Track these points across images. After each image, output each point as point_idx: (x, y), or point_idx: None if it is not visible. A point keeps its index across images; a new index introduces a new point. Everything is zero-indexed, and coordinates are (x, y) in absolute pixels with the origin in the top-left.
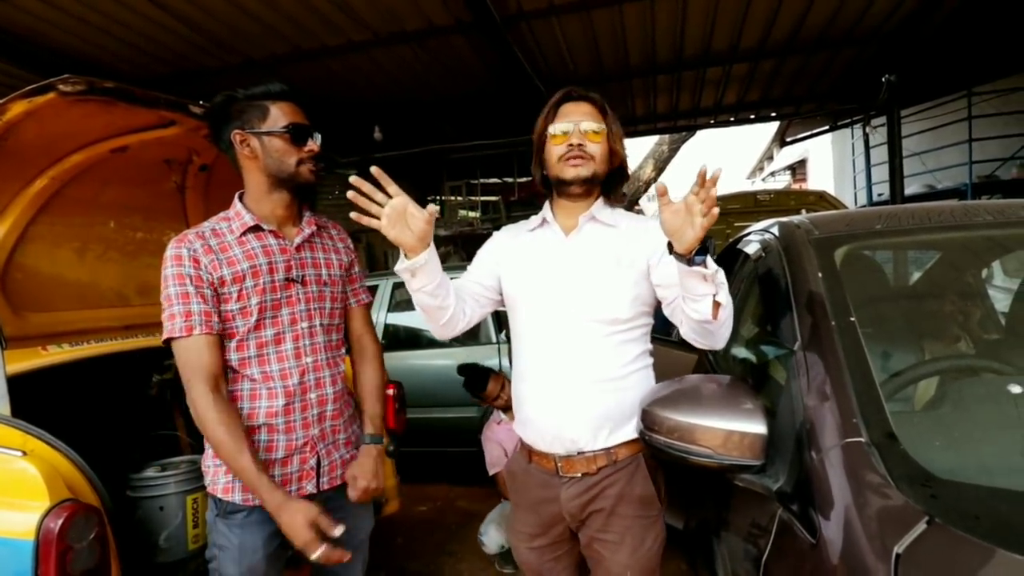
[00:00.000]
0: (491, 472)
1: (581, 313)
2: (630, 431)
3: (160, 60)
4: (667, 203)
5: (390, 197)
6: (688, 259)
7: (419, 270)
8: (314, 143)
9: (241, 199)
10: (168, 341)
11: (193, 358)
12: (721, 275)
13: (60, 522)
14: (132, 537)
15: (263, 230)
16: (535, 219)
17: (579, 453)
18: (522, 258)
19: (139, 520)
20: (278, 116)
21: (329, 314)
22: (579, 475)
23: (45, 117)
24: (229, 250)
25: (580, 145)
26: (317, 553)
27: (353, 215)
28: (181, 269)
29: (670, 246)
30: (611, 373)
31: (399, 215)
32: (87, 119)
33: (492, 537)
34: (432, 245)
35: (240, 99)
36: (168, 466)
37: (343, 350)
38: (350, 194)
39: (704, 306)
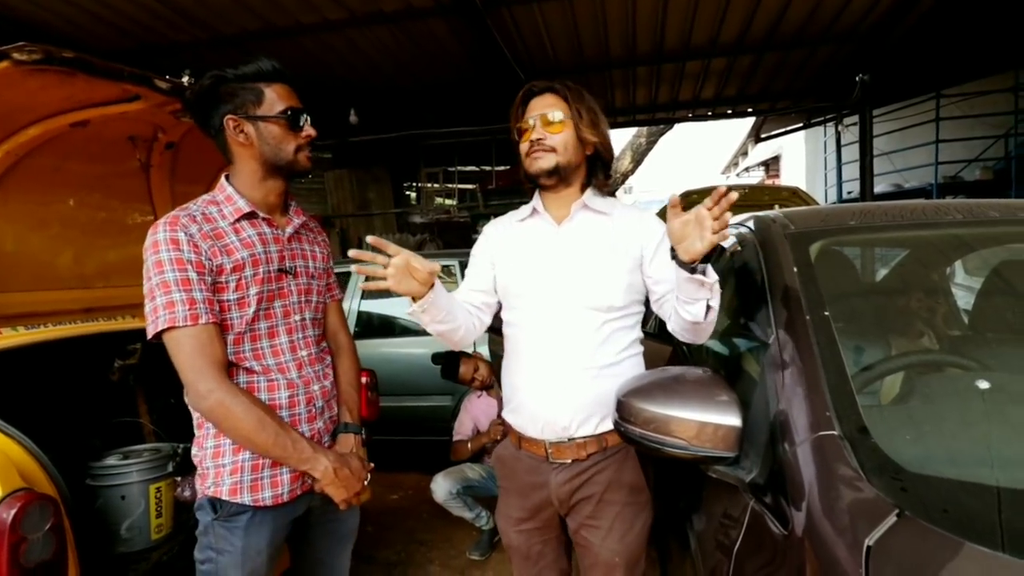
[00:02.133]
0: (455, 438)
1: (576, 300)
2: None
3: (125, 32)
4: (677, 213)
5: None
6: (691, 267)
7: (429, 308)
8: (310, 128)
9: (230, 181)
10: (162, 332)
11: (202, 348)
12: (718, 283)
13: (13, 512)
14: (92, 527)
15: (258, 217)
16: (524, 209)
17: (569, 439)
18: (514, 249)
19: (99, 510)
20: (274, 100)
21: (315, 307)
22: (569, 461)
23: None
24: (225, 237)
25: (539, 139)
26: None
27: (360, 274)
28: (180, 254)
29: (673, 251)
30: (605, 360)
31: (403, 272)
32: (45, 90)
33: (440, 484)
34: (436, 283)
35: (231, 80)
36: (131, 454)
37: (325, 344)
38: (354, 267)
39: (698, 309)
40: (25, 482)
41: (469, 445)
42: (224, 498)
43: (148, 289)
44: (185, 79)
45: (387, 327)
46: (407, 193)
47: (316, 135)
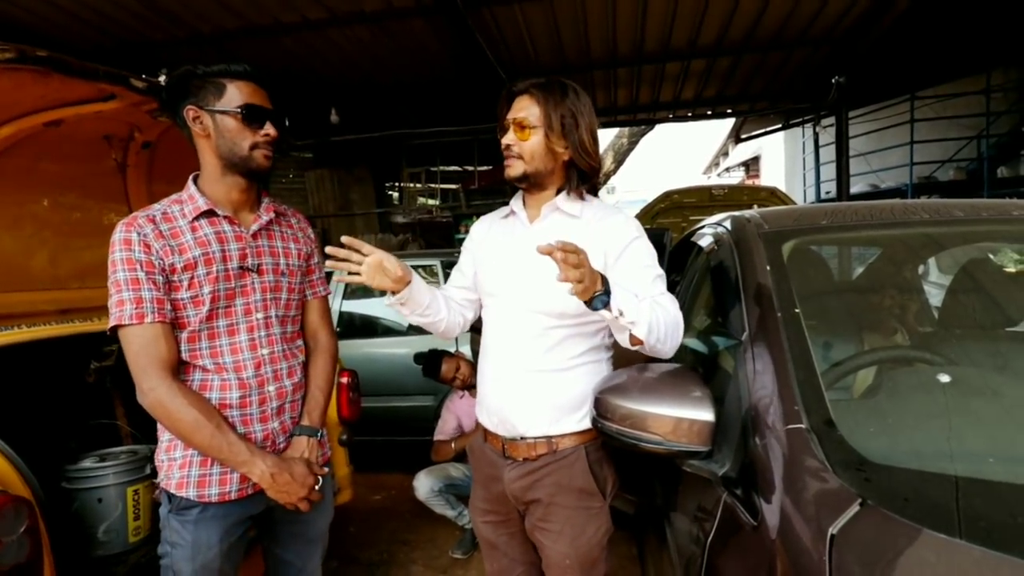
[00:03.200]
0: (435, 437)
1: (528, 304)
2: (574, 422)
3: (102, 31)
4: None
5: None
6: (592, 307)
7: (407, 302)
8: (270, 127)
9: (196, 181)
10: (115, 329)
11: (146, 347)
12: (633, 313)
13: None
14: (69, 530)
15: (217, 215)
16: (505, 208)
17: (521, 438)
18: (491, 247)
19: (76, 513)
20: (234, 95)
21: (285, 305)
22: (520, 459)
23: None
24: (180, 236)
25: (508, 145)
26: (314, 500)
27: (334, 271)
28: (131, 254)
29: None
30: (554, 365)
31: (376, 269)
32: (17, 89)
33: (423, 481)
34: (414, 278)
35: (199, 75)
36: (107, 456)
37: (300, 342)
38: (329, 263)
39: (623, 338)
40: None
41: (453, 445)
42: (173, 491)
43: (108, 287)
44: (162, 78)
45: (369, 327)
46: (389, 193)
47: (275, 136)
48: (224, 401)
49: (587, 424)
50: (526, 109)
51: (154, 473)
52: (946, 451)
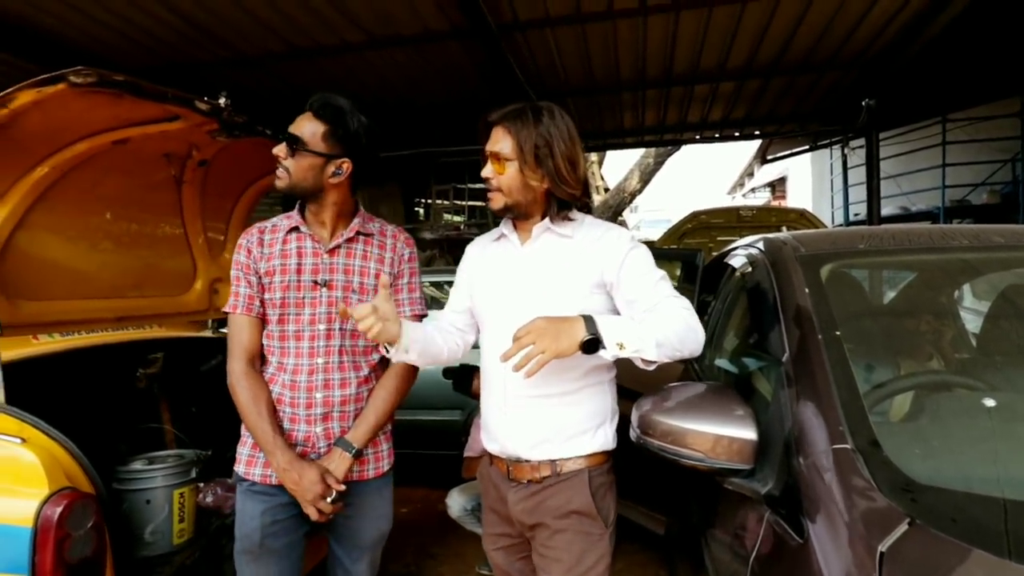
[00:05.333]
0: (466, 454)
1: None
2: (578, 446)
3: (152, 52)
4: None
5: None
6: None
7: (410, 347)
8: (278, 148)
9: None
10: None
11: (236, 333)
12: (635, 340)
13: (59, 510)
14: (118, 530)
15: (301, 231)
16: (497, 231)
17: (525, 460)
18: (484, 270)
19: (125, 513)
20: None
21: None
22: (524, 481)
23: (51, 107)
24: (274, 246)
25: (487, 179)
26: (324, 511)
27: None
28: (239, 256)
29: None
30: (555, 389)
31: (378, 319)
32: (93, 110)
33: (456, 499)
34: (404, 323)
35: None
36: (156, 459)
37: (374, 357)
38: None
39: (637, 361)
40: (69, 481)
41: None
42: (236, 466)
43: None
44: (222, 100)
45: None
46: (416, 209)
47: (281, 155)
48: (280, 396)
49: (593, 447)
50: (500, 141)
51: (199, 477)
52: (992, 474)
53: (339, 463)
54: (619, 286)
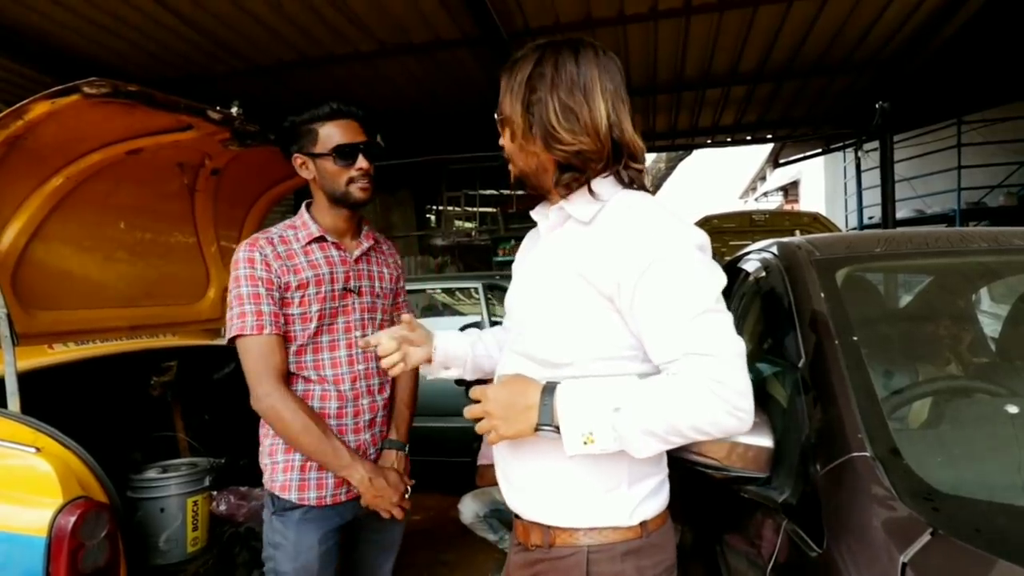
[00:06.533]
0: (480, 462)
1: (516, 344)
2: (574, 515)
3: (166, 63)
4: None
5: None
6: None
7: (448, 363)
8: (362, 161)
9: (309, 209)
10: (235, 339)
11: (265, 356)
12: (607, 439)
13: (73, 519)
14: (132, 538)
15: (327, 241)
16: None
17: (516, 516)
18: (517, 262)
19: (139, 521)
20: (326, 138)
21: (379, 325)
22: (518, 542)
23: (66, 118)
24: (295, 258)
25: (503, 147)
26: (406, 508)
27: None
28: (254, 271)
29: None
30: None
31: (403, 347)
32: (107, 121)
33: (468, 506)
34: (438, 336)
35: (297, 123)
36: (169, 467)
37: None
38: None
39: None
40: (83, 491)
41: None
42: (276, 493)
43: (228, 300)
44: (234, 110)
45: None
46: (428, 216)
47: (368, 168)
48: (323, 410)
49: (594, 521)
50: (501, 97)
51: (212, 486)
52: (1016, 482)
53: (399, 463)
54: (632, 318)
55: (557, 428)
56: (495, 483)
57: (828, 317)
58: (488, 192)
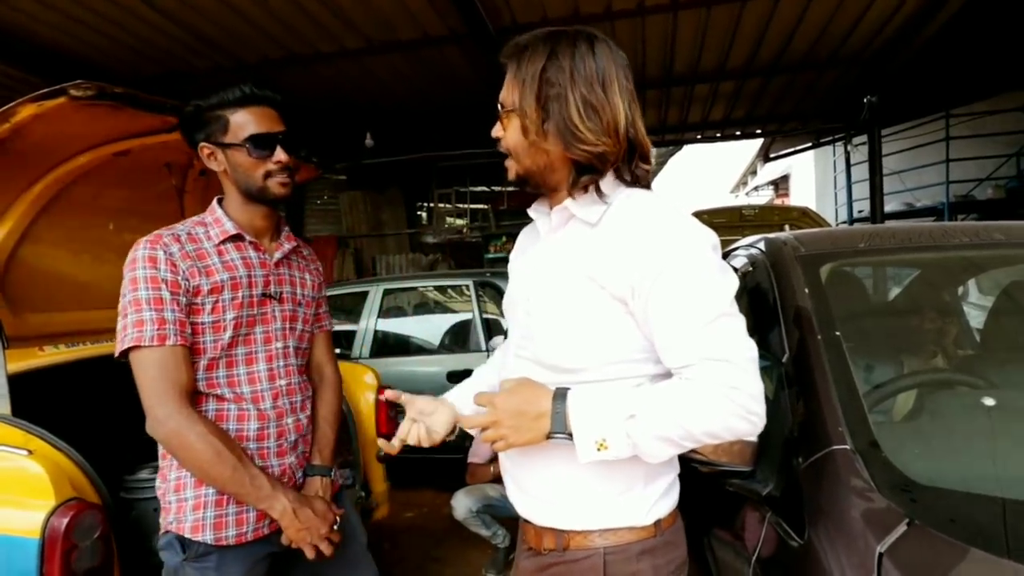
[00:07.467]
0: (469, 460)
1: (522, 349)
2: (589, 517)
3: (151, 60)
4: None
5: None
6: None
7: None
8: (281, 153)
9: (221, 204)
10: (128, 351)
11: (166, 371)
12: (621, 445)
13: (66, 521)
14: (126, 539)
15: (244, 240)
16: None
17: (527, 521)
18: (514, 262)
19: (133, 522)
20: (238, 126)
21: (299, 336)
22: (528, 547)
23: (52, 120)
24: (207, 258)
25: (498, 140)
26: (334, 542)
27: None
28: (156, 272)
29: None
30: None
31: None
32: (93, 123)
33: (460, 501)
34: (453, 397)
35: (204, 108)
36: None
37: (306, 376)
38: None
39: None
40: (75, 492)
41: (492, 468)
42: (187, 535)
43: (121, 307)
44: None
45: (402, 345)
46: (419, 214)
47: (287, 160)
48: (241, 433)
49: (610, 523)
50: (505, 87)
51: None
52: (991, 473)
53: (324, 490)
54: (645, 323)
55: (570, 435)
56: (486, 481)
57: (811, 312)
58: (479, 189)
